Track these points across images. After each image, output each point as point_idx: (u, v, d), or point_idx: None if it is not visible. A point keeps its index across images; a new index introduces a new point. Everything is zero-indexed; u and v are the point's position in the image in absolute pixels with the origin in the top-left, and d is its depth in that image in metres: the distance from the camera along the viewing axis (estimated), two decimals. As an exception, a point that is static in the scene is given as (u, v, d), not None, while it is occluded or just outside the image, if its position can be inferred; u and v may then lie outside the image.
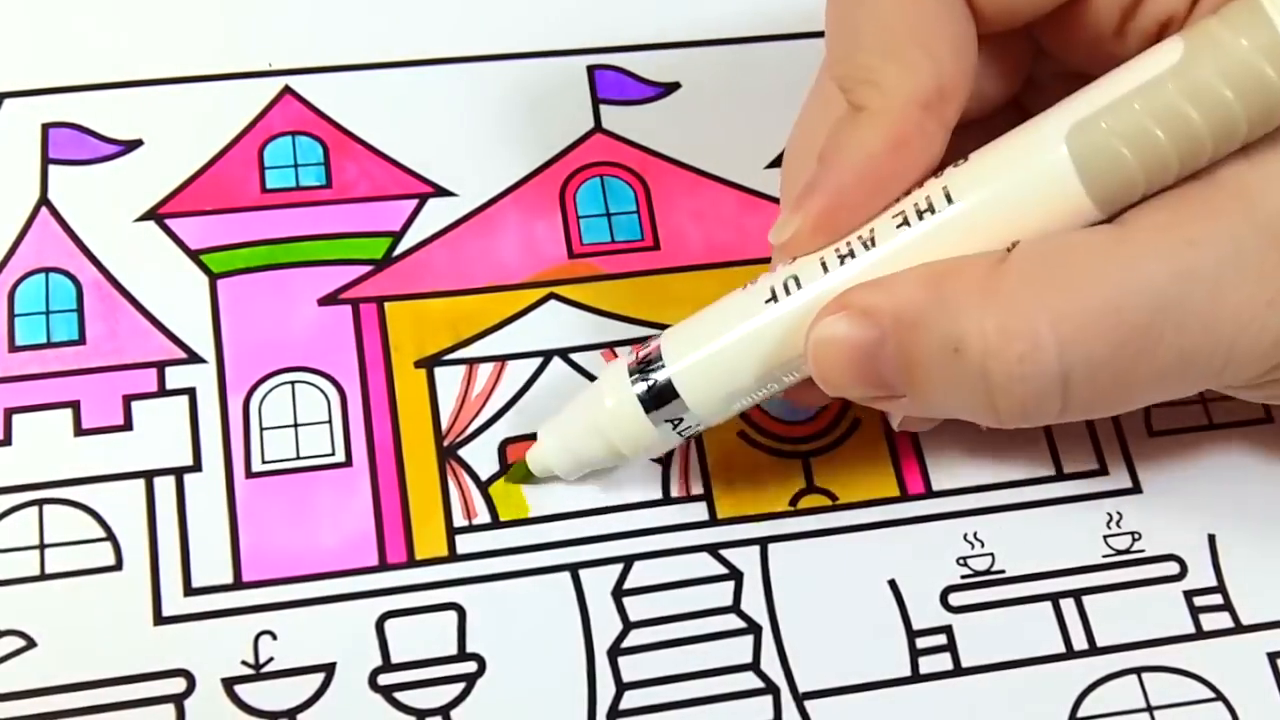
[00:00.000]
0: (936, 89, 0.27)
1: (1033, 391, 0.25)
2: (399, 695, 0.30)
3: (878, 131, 0.27)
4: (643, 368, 0.29)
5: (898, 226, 0.27)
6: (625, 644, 0.30)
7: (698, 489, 0.32)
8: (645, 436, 0.29)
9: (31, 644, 0.29)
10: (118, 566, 0.30)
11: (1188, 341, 0.25)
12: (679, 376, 0.28)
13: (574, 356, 0.33)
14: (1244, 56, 0.24)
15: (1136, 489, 0.33)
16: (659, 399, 0.29)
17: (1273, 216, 0.25)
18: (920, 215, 0.26)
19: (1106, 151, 0.25)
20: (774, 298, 0.28)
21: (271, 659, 0.30)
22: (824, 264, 0.27)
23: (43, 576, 0.30)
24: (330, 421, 0.32)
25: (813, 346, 0.27)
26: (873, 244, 0.27)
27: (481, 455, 0.32)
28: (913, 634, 0.31)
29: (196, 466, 0.31)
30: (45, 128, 0.34)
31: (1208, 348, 0.25)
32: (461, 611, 0.30)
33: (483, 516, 0.31)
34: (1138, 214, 0.25)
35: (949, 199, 0.26)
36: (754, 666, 0.30)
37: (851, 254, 0.27)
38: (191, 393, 0.32)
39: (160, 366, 0.32)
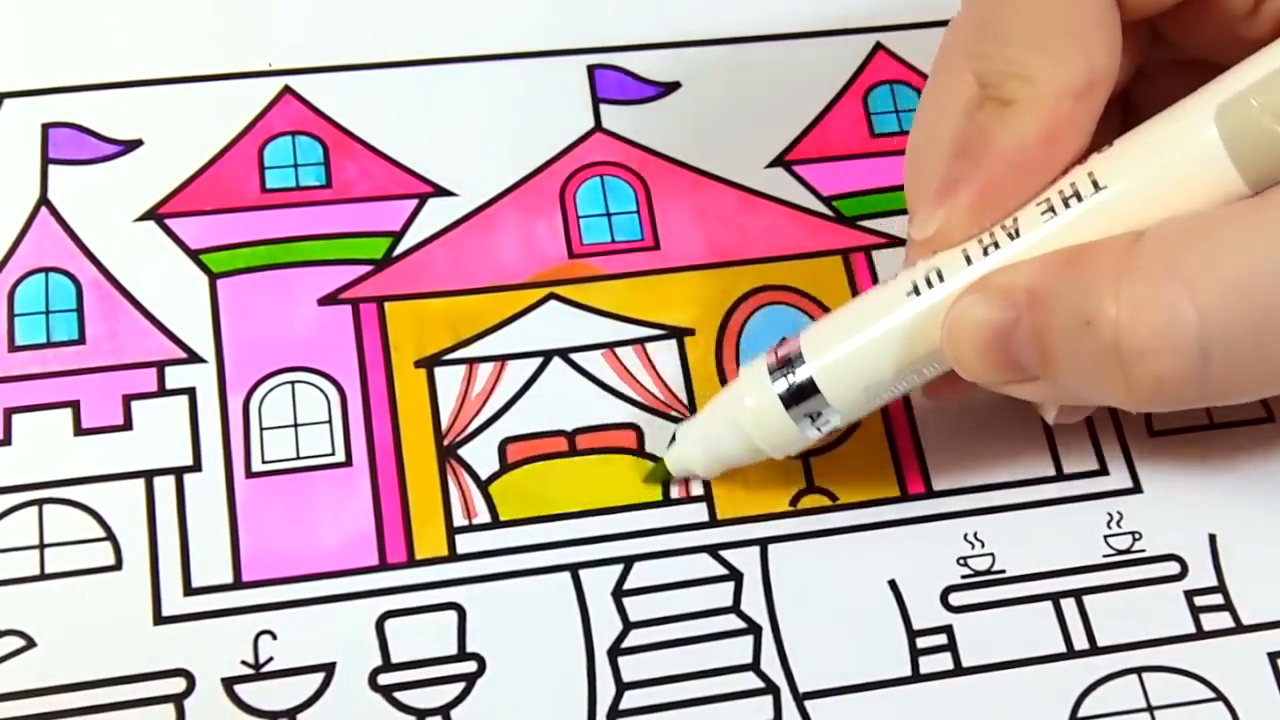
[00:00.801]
0: (1087, 80, 0.26)
1: (1169, 367, 0.25)
2: (399, 695, 0.30)
3: (1031, 123, 0.27)
4: (783, 366, 0.29)
5: (1042, 214, 0.27)
6: (625, 644, 0.30)
7: (698, 489, 0.32)
8: (785, 433, 0.30)
9: (31, 644, 0.29)
10: (117, 566, 0.30)
11: None
12: (820, 373, 0.29)
13: (574, 356, 0.33)
14: None
15: (1137, 489, 0.33)
16: (799, 396, 0.29)
17: None
18: (1066, 203, 0.26)
19: (1257, 128, 0.25)
20: (916, 291, 0.28)
21: (271, 659, 0.30)
22: (967, 256, 0.27)
23: (42, 576, 0.30)
24: (330, 421, 0.32)
25: (949, 327, 0.27)
26: (1017, 234, 0.27)
27: (482, 455, 0.32)
28: (913, 634, 0.31)
29: (196, 466, 0.31)
30: (45, 128, 0.34)
31: None
32: (461, 611, 0.30)
33: (483, 516, 0.31)
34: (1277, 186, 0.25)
35: (1095, 186, 0.26)
36: (754, 666, 0.30)
37: (996, 245, 0.27)
38: (191, 392, 0.32)
39: (160, 366, 0.32)
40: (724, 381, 0.33)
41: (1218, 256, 0.24)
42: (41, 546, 0.30)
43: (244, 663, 0.30)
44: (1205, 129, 0.25)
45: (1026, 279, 0.26)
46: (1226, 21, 0.28)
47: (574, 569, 0.31)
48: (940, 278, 0.27)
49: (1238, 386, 0.26)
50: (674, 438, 0.32)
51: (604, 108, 0.36)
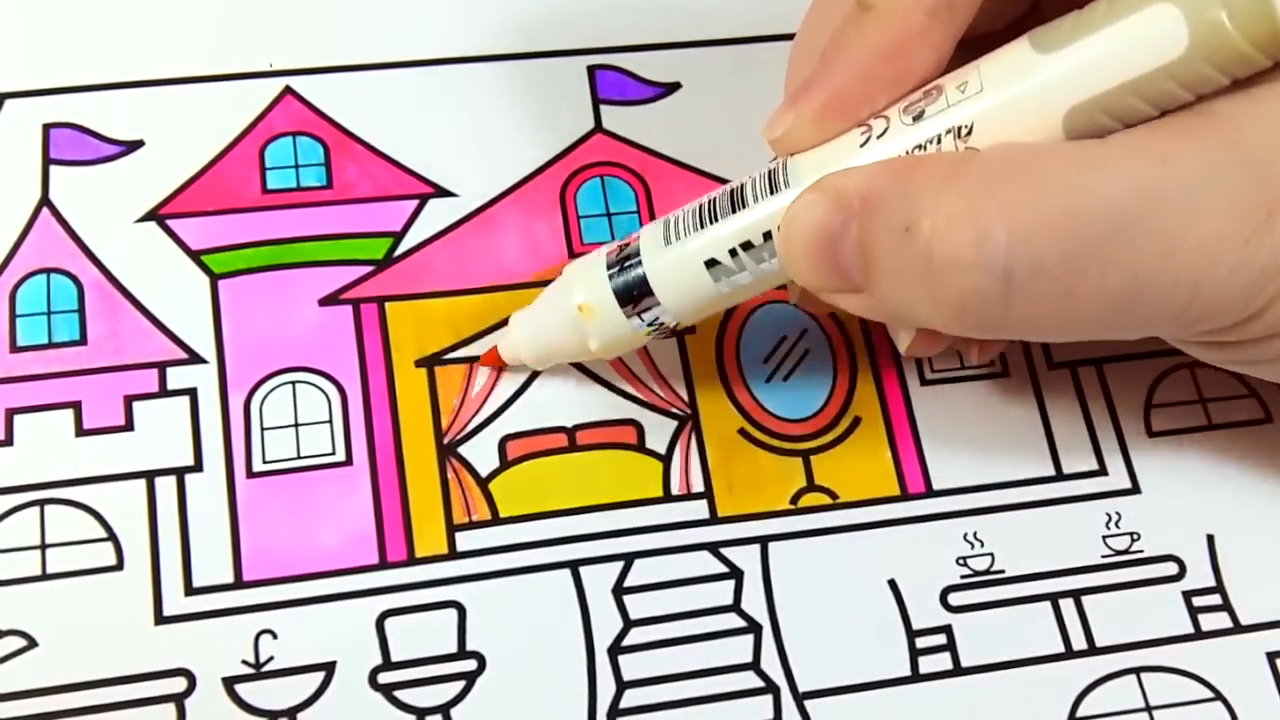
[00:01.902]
0: None
1: (974, 285, 0.25)
2: (399, 693, 0.30)
3: (880, 33, 0.27)
4: (621, 261, 0.29)
5: (885, 127, 0.27)
6: (626, 642, 0.30)
7: (698, 487, 0.32)
8: (618, 332, 0.30)
9: (33, 644, 0.29)
10: (119, 566, 0.30)
11: (1144, 265, 0.24)
12: (655, 271, 0.29)
13: (574, 356, 0.33)
14: (1249, 55, 0.24)
15: (1136, 489, 0.33)
16: (631, 293, 0.29)
17: (1259, 155, 0.24)
18: (914, 117, 0.26)
19: (1102, 134, 0.25)
20: (756, 191, 0.28)
21: (272, 658, 0.30)
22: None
23: (44, 576, 0.30)
24: (331, 421, 0.32)
25: (783, 225, 0.27)
26: (864, 144, 0.27)
27: (482, 452, 0.32)
28: (913, 633, 0.31)
29: (197, 466, 0.31)
30: (46, 128, 0.34)
31: (1167, 278, 0.24)
32: (462, 609, 0.30)
33: (483, 514, 0.31)
34: (1121, 132, 0.25)
35: (946, 102, 0.26)
36: (754, 665, 0.30)
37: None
38: (193, 393, 0.32)
39: (161, 367, 0.32)
40: (724, 381, 0.33)
41: (1040, 186, 0.24)
42: (43, 547, 0.30)
43: (245, 662, 0.30)
44: (1054, 128, 0.25)
45: (860, 183, 0.26)
46: None
47: (574, 566, 0.31)
48: (785, 180, 0.28)
49: (1042, 319, 0.26)
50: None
51: (604, 108, 0.36)
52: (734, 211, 0.28)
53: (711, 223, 0.28)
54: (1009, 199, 0.24)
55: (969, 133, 0.26)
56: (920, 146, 0.26)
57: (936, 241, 0.25)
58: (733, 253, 0.28)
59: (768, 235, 0.28)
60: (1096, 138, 0.25)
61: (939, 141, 0.26)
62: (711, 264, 0.28)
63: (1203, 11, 0.24)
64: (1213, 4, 0.23)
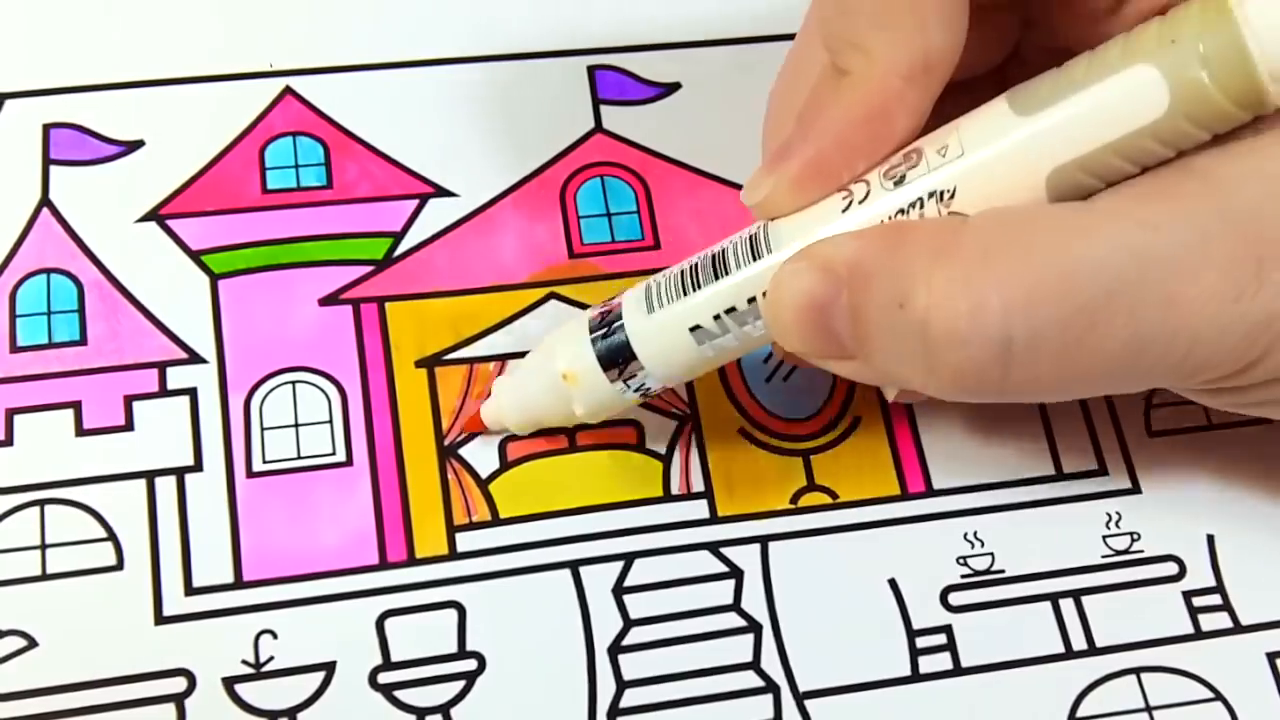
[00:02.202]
0: (923, 62, 0.26)
1: (972, 356, 0.25)
2: (399, 694, 0.30)
3: (858, 99, 0.27)
4: (604, 324, 0.29)
5: (868, 191, 0.27)
6: (626, 642, 0.30)
7: (698, 486, 0.32)
8: (603, 397, 0.30)
9: (32, 644, 0.29)
10: (119, 566, 0.30)
11: (1143, 328, 0.24)
12: (637, 335, 0.29)
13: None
14: (1229, 112, 0.24)
15: (1136, 489, 0.33)
16: (615, 357, 0.29)
17: (1243, 210, 0.24)
18: (896, 181, 0.26)
19: (1085, 193, 0.25)
20: (738, 257, 0.28)
21: (272, 658, 0.30)
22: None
23: (44, 576, 0.30)
24: (331, 421, 0.32)
25: (770, 294, 0.27)
26: (846, 210, 0.27)
27: (482, 453, 0.32)
28: (913, 633, 0.31)
29: (197, 466, 0.31)
30: (46, 128, 0.34)
31: (1164, 337, 0.25)
32: (462, 609, 0.30)
33: (483, 514, 0.31)
34: (1107, 193, 0.25)
35: (926, 165, 0.26)
36: (754, 665, 0.30)
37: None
38: (193, 393, 0.32)
39: (161, 367, 0.32)
40: (724, 381, 0.33)
41: (1032, 254, 0.24)
42: (43, 547, 0.30)
43: (245, 662, 0.30)
44: (1036, 188, 0.25)
45: (849, 253, 0.26)
46: (1090, 16, 0.28)
47: (574, 566, 0.31)
48: (767, 245, 0.27)
49: (1042, 384, 0.26)
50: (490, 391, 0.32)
51: (604, 108, 0.36)
52: (716, 278, 0.28)
53: (694, 289, 0.28)
54: (1002, 271, 0.24)
55: (951, 196, 0.26)
56: (903, 211, 0.26)
57: (933, 316, 0.25)
58: (716, 318, 0.28)
59: (751, 300, 0.27)
60: (1080, 198, 0.25)
61: (921, 205, 0.26)
62: (695, 329, 0.28)
63: (1183, 71, 0.24)
64: (1192, 63, 0.23)
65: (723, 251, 0.28)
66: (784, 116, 0.29)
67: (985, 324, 0.24)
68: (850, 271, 0.26)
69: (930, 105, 0.27)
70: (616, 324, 0.29)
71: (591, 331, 0.29)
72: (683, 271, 0.28)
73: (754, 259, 0.27)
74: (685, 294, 0.28)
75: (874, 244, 0.26)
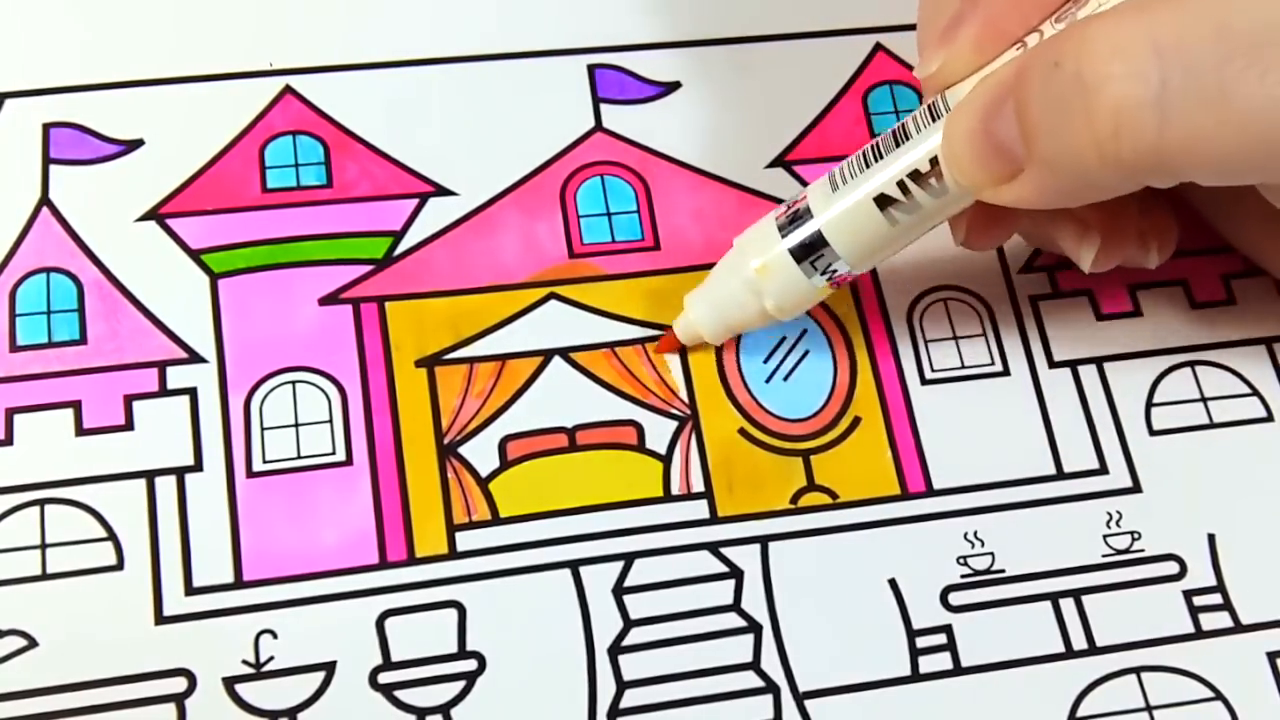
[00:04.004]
0: None
1: (1127, 95, 0.25)
2: (399, 694, 0.30)
3: None
4: (792, 221, 0.30)
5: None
6: (626, 642, 0.30)
7: (698, 486, 0.32)
8: (797, 288, 0.30)
9: (33, 644, 0.29)
10: (119, 566, 0.30)
11: None
12: (829, 225, 0.29)
13: (574, 355, 0.33)
14: None
15: (1136, 488, 0.33)
16: (808, 249, 0.30)
17: None
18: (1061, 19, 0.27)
19: None
20: (918, 125, 0.29)
21: (272, 658, 0.30)
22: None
23: (44, 576, 0.30)
24: (331, 421, 0.32)
25: (946, 125, 0.28)
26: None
27: (482, 452, 0.32)
28: (913, 633, 0.31)
29: (198, 466, 0.31)
30: (46, 128, 0.34)
31: None
32: (462, 609, 0.30)
33: (483, 514, 0.31)
34: None
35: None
36: (754, 665, 0.30)
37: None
38: (192, 392, 0.32)
39: (161, 366, 0.32)
40: (724, 381, 0.33)
41: (1187, 4, 0.25)
42: (43, 546, 0.30)
43: (245, 662, 0.30)
44: None
45: (1014, 66, 0.27)
46: None
47: (574, 566, 0.31)
48: (945, 105, 0.28)
49: (1200, 136, 0.25)
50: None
51: (604, 107, 0.36)
52: (898, 146, 0.29)
53: (877, 161, 0.29)
54: (1157, 16, 0.25)
55: None
56: None
57: (1085, 60, 0.25)
58: (902, 186, 0.28)
59: (934, 161, 0.28)
60: None
61: None
62: (882, 202, 0.29)
63: None
64: None
65: (903, 125, 0.29)
66: (936, 5, 0.30)
67: (1137, 61, 0.24)
68: (1015, 75, 0.26)
69: None
70: (803, 214, 0.30)
71: (780, 228, 0.30)
72: (864, 151, 0.29)
73: (933, 121, 0.28)
74: (868, 167, 0.29)
75: (1036, 46, 0.27)
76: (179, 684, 0.29)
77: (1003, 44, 0.28)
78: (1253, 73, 0.24)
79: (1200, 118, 0.25)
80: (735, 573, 0.31)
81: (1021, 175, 0.27)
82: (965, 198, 0.29)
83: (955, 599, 0.31)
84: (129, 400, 0.32)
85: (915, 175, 0.28)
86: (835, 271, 0.30)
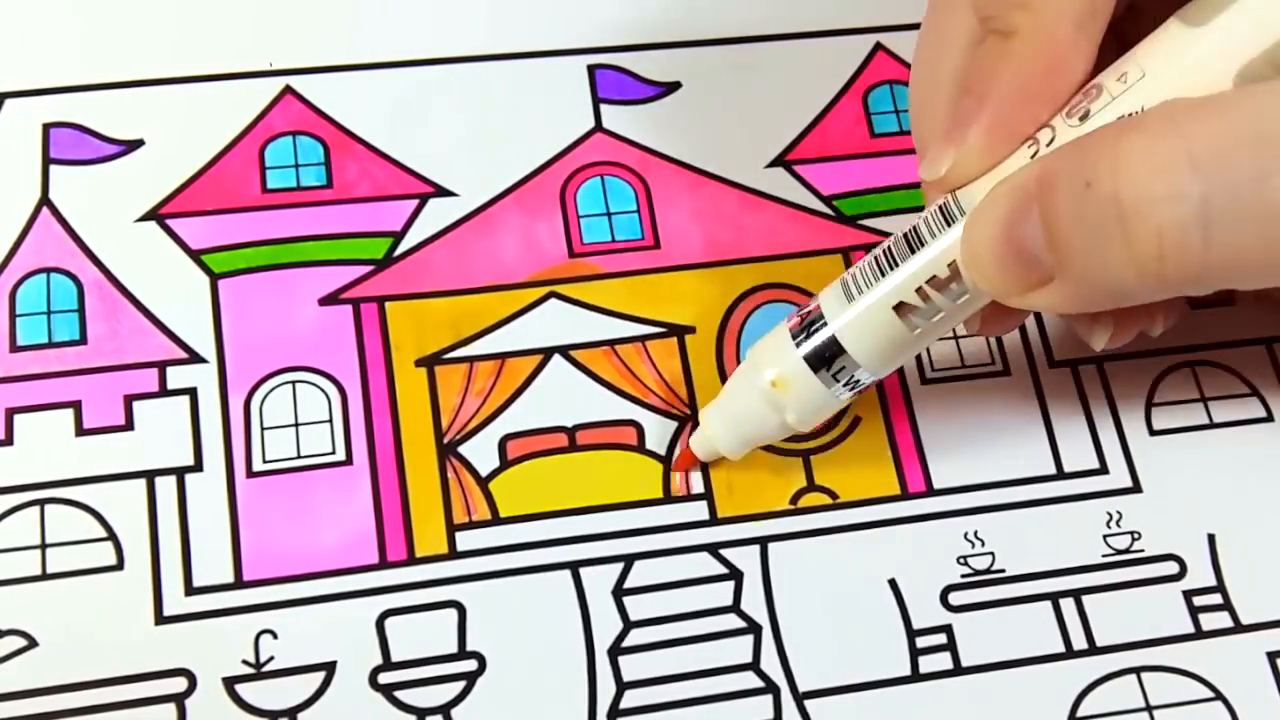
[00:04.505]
0: (1089, 5, 0.27)
1: (1170, 219, 0.24)
2: (399, 694, 0.30)
3: (1034, 54, 0.27)
4: (804, 329, 0.29)
5: (1047, 144, 0.27)
6: (626, 643, 0.30)
7: (698, 488, 0.32)
8: (815, 398, 0.30)
9: (33, 644, 0.29)
10: (119, 566, 0.30)
11: None
12: (843, 329, 0.29)
13: (574, 353, 0.33)
14: None
15: (1136, 488, 0.33)
16: (823, 357, 0.29)
17: None
18: (1080, 119, 0.27)
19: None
20: (931, 229, 0.28)
21: (272, 658, 0.30)
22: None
23: (44, 576, 0.30)
24: (331, 421, 0.32)
25: (965, 231, 0.27)
26: (1035, 156, 0.27)
27: (482, 451, 0.32)
28: (913, 633, 0.31)
29: (198, 466, 0.31)
30: (46, 128, 0.34)
31: None
32: (462, 609, 0.30)
33: (483, 514, 0.31)
34: None
35: (1110, 96, 0.26)
36: (754, 666, 0.30)
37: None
38: (193, 392, 0.32)
39: (161, 366, 0.32)
40: (724, 378, 0.33)
41: (1220, 115, 0.24)
42: (43, 546, 0.30)
43: (245, 662, 0.30)
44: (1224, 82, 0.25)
45: (1035, 169, 0.26)
46: None
47: (574, 567, 0.31)
48: (959, 208, 0.28)
49: (1247, 250, 0.24)
50: (697, 423, 0.32)
51: (604, 108, 0.36)
52: (913, 252, 0.28)
53: (891, 269, 0.28)
54: (1192, 130, 0.24)
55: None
56: None
57: (1122, 184, 0.24)
58: (919, 291, 0.28)
59: (952, 264, 0.28)
60: None
61: None
62: (900, 307, 0.28)
63: None
64: None
65: (915, 229, 0.28)
66: (936, 92, 0.29)
67: (1178, 181, 0.24)
68: (1039, 183, 0.26)
69: (1096, 48, 0.27)
70: (818, 322, 0.29)
71: (794, 336, 0.29)
72: (876, 257, 0.29)
73: (948, 225, 0.28)
74: (884, 274, 0.28)
75: (1058, 152, 0.26)
76: (179, 684, 0.29)
77: (1014, 143, 0.27)
78: None
79: (1246, 234, 0.24)
80: (735, 574, 0.31)
81: (1051, 285, 0.26)
82: (984, 298, 0.28)
83: (955, 599, 0.31)
84: (129, 400, 0.32)
85: (934, 280, 0.28)
86: (856, 380, 0.29)
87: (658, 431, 0.32)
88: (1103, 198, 0.24)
